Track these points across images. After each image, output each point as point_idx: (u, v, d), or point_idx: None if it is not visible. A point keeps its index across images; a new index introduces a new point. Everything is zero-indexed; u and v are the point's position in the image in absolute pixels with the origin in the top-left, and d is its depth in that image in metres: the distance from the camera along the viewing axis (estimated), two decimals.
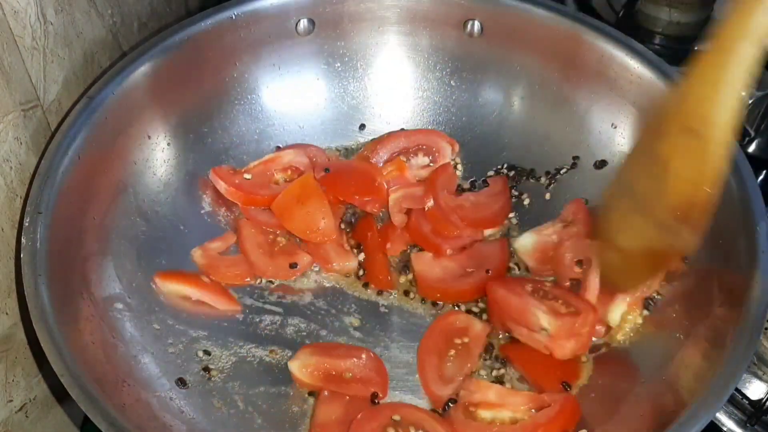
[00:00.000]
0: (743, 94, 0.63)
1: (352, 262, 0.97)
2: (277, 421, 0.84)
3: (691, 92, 0.66)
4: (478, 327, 0.90)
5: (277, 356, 0.89)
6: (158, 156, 0.96)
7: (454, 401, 0.84)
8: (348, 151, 1.07)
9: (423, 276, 0.95)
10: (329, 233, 0.96)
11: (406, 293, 0.95)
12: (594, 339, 0.88)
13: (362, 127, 1.08)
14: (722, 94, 0.63)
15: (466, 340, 0.90)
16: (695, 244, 0.73)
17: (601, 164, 0.99)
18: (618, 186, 0.80)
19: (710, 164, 0.66)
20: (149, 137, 0.95)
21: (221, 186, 0.98)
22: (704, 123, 0.64)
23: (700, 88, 0.65)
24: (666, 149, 0.70)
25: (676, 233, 0.72)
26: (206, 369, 0.87)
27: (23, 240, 0.78)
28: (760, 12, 0.61)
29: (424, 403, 0.86)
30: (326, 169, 1.01)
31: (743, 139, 1.05)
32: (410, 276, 0.96)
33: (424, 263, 0.96)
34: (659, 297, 0.88)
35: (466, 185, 1.04)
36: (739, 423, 0.87)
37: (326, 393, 0.85)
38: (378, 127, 1.08)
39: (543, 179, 1.03)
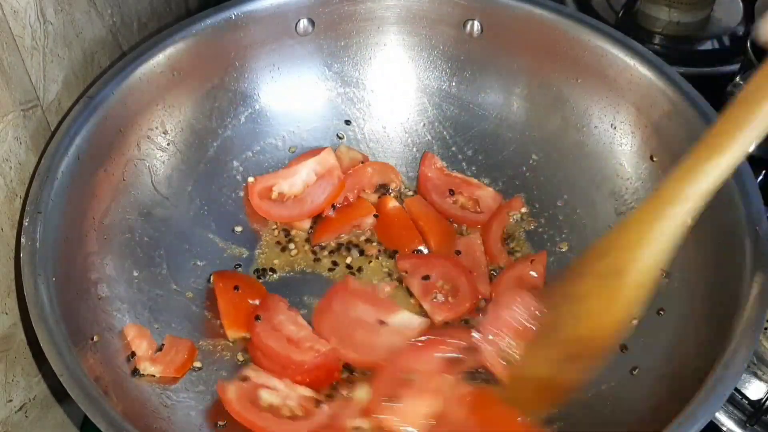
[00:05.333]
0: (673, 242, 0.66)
1: None
2: None
3: (621, 238, 0.68)
4: None
5: None
6: (158, 156, 0.96)
7: None
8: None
9: None
10: None
11: None
12: None
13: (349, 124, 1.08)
14: (650, 244, 0.65)
15: None
16: (584, 381, 0.75)
17: None
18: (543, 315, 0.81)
19: (622, 305, 0.67)
20: (149, 137, 0.95)
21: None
22: (626, 266, 0.66)
23: (630, 236, 0.67)
24: (584, 288, 0.71)
25: (571, 367, 0.73)
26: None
27: (23, 240, 0.78)
28: (695, 182, 0.64)
29: None
30: None
31: None
32: None
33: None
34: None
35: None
36: (739, 423, 0.87)
37: None
38: (376, 127, 1.08)
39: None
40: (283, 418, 0.82)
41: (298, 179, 1.02)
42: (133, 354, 0.83)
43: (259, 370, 0.86)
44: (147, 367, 0.83)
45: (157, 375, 0.84)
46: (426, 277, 0.95)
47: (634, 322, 0.81)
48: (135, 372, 0.82)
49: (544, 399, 0.79)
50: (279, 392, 0.84)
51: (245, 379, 0.85)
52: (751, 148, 0.62)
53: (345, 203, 1.02)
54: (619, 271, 0.67)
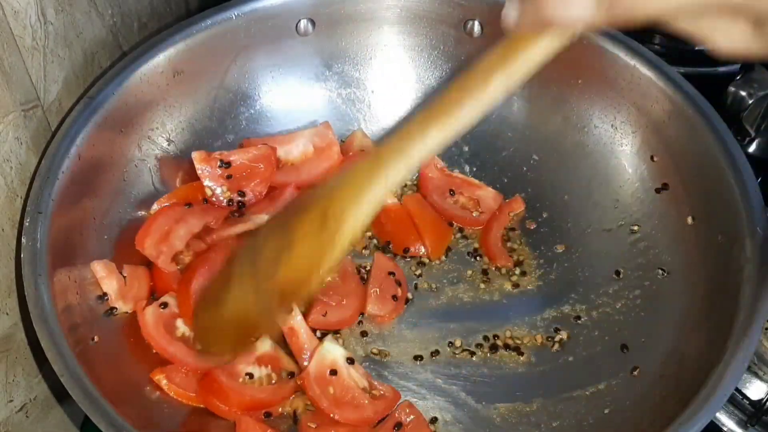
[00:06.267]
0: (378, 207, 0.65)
1: None
2: None
3: (341, 187, 0.66)
4: None
5: None
6: (158, 156, 0.96)
7: None
8: None
9: None
10: None
11: None
12: None
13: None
14: (364, 203, 0.64)
15: None
16: (277, 327, 0.82)
17: None
18: (250, 241, 0.77)
19: (327, 258, 0.66)
20: (149, 137, 0.95)
21: None
22: (338, 219, 0.65)
23: (349, 189, 0.65)
24: (299, 226, 0.69)
25: (270, 309, 0.72)
26: None
27: (23, 240, 0.78)
28: (419, 145, 0.64)
29: None
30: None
31: (743, 139, 1.05)
32: None
33: None
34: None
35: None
36: (739, 423, 0.87)
37: None
38: (376, 128, 1.08)
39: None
40: (194, 350, 0.84)
41: (294, 147, 1.03)
42: (105, 294, 0.84)
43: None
44: (120, 306, 0.85)
45: (129, 311, 0.86)
46: None
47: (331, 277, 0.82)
48: (109, 312, 0.84)
49: (229, 339, 0.77)
50: None
51: (164, 305, 0.87)
52: (476, 120, 0.62)
53: None
54: (336, 219, 0.65)
